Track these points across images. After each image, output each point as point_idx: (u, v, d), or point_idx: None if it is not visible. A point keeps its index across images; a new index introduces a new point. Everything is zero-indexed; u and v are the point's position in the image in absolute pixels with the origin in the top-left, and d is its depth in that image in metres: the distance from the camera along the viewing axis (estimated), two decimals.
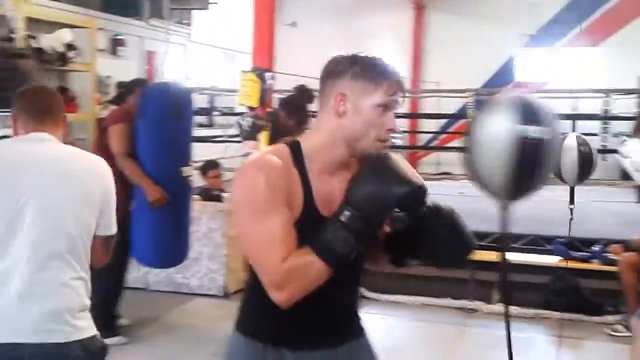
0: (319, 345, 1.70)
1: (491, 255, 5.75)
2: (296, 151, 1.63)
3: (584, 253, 5.74)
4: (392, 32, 12.65)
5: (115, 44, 8.48)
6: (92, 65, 7.13)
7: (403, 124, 10.94)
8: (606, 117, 7.53)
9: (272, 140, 4.39)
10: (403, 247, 1.73)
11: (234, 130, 9.11)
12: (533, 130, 1.82)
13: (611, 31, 11.89)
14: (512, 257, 5.96)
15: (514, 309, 5.33)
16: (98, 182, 2.19)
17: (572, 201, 5.35)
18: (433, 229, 1.66)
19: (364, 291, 5.55)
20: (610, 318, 5.10)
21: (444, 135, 11.49)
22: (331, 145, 1.63)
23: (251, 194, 1.55)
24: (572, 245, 5.85)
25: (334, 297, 1.65)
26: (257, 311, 1.71)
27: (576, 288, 5.41)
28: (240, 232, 1.62)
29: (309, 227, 1.56)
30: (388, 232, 1.71)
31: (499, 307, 5.42)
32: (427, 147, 11.84)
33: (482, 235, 6.28)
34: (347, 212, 1.52)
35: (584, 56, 12.12)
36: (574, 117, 7.11)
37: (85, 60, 6.98)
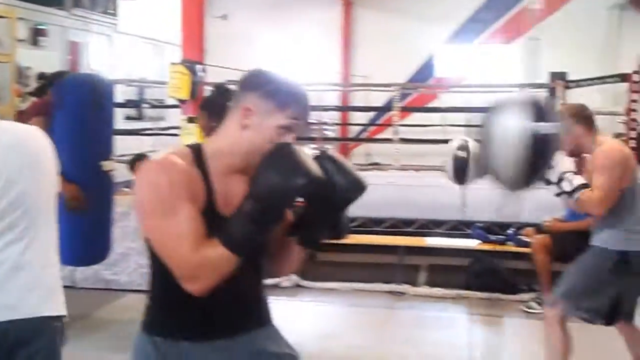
0: (218, 335, 1.72)
1: (417, 241, 6.05)
2: (198, 153, 1.67)
3: (501, 236, 6.05)
4: (322, 26, 12.73)
5: (37, 34, 8.20)
6: (11, 56, 6.89)
7: (334, 116, 11.12)
8: None
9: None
10: (307, 226, 1.76)
11: (164, 123, 9.02)
12: (543, 127, 2.05)
13: (524, 29, 12.39)
14: (436, 242, 6.26)
15: (437, 290, 5.60)
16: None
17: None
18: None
19: (298, 280, 5.69)
20: (525, 296, 5.38)
21: (373, 127, 11.68)
22: (230, 153, 1.67)
23: (156, 192, 1.57)
24: (489, 230, 6.16)
25: (234, 288, 1.66)
26: (156, 308, 1.74)
27: (494, 269, 5.70)
28: (149, 230, 1.63)
29: (210, 225, 1.59)
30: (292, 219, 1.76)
31: (425, 289, 5.68)
32: (358, 139, 12.02)
33: (409, 222, 6.55)
34: (249, 205, 1.56)
35: (500, 53, 12.58)
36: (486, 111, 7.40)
37: (5, 50, 6.75)
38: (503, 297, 5.46)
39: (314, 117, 7.90)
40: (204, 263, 1.55)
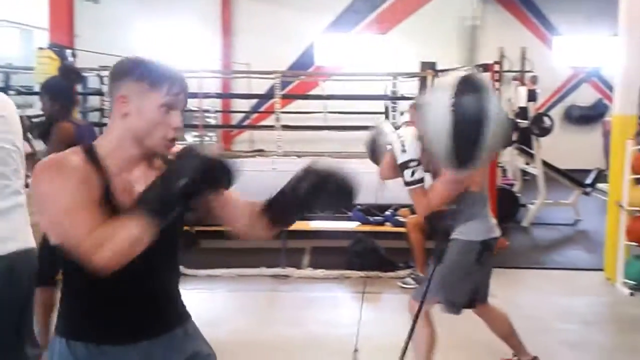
0: (139, 337, 1.69)
1: (301, 225, 6.13)
2: (90, 153, 1.62)
3: (379, 217, 6.25)
4: (201, 14, 12.53)
5: None
6: None
7: (216, 104, 10.99)
8: (395, 98, 8.17)
9: (44, 131, 3.87)
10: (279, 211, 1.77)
11: (32, 111, 8.53)
12: (471, 104, 2.06)
13: (397, 21, 12.80)
14: (318, 224, 6.38)
15: (321, 272, 5.72)
16: None
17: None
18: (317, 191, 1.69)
19: (182, 269, 5.60)
20: (401, 273, 5.62)
21: (255, 115, 11.67)
22: (121, 147, 1.62)
23: (56, 186, 1.53)
24: (369, 212, 6.36)
25: (151, 288, 1.67)
26: (73, 311, 1.69)
27: (374, 249, 5.89)
28: (51, 223, 1.58)
29: (110, 214, 1.56)
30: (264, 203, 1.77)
31: (308, 272, 5.78)
32: (241, 126, 11.98)
33: None
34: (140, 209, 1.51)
35: (375, 42, 12.93)
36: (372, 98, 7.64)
37: None
38: (382, 275, 5.66)
39: (195, 104, 7.79)
40: (105, 232, 1.48)
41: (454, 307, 3.28)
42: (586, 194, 8.12)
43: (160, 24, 12.08)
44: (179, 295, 1.82)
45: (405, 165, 2.95)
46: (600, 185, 8.17)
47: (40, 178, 1.56)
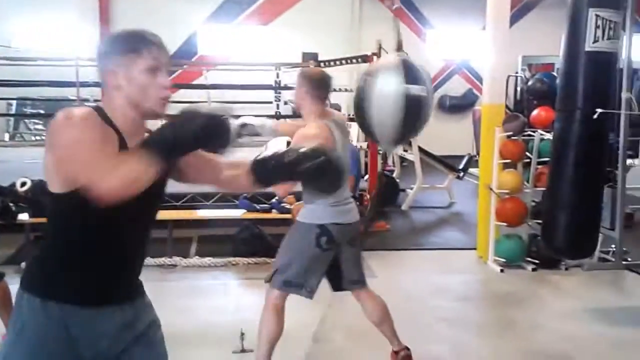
0: (109, 301, 1.75)
1: (187, 214, 5.96)
2: (101, 113, 1.68)
3: (265, 205, 6.21)
4: (77, 3, 11.88)
5: None
6: None
7: (95, 93, 10.43)
8: (279, 88, 8.15)
9: None
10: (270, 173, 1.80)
11: None
12: (415, 89, 2.03)
13: (278, 12, 12.74)
14: (204, 213, 6.25)
15: (208, 260, 5.60)
16: None
17: None
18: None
19: None
20: None
21: None
22: (124, 114, 1.70)
23: (82, 131, 1.56)
24: (255, 199, 6.30)
25: (126, 257, 1.77)
26: (50, 271, 1.71)
27: (260, 235, 5.85)
28: (76, 163, 1.55)
29: None
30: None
31: (195, 260, 5.64)
32: None
33: (179, 196, 6.45)
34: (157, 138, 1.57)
35: (257, 33, 12.81)
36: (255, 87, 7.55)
37: None
38: (269, 261, 5.60)
39: (73, 94, 7.42)
40: (118, 160, 1.55)
41: (296, 287, 3.20)
42: (459, 178, 8.49)
43: (36, 16, 11.38)
44: (141, 269, 1.91)
45: None
46: (471, 170, 8.58)
47: (63, 125, 1.58)
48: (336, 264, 3.27)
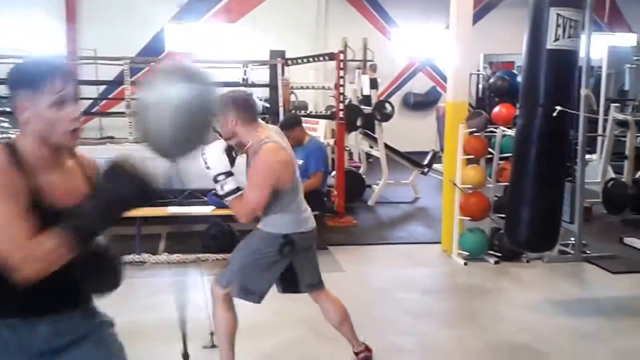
0: (46, 311, 1.72)
1: (156, 210, 5.90)
2: (12, 152, 1.64)
3: None
4: (43, 1, 11.63)
5: None
6: None
7: None
8: (246, 85, 8.10)
9: None
10: None
11: None
12: (192, 93, 1.86)
13: (245, 10, 12.66)
14: (173, 210, 6.18)
15: (177, 256, 5.55)
16: None
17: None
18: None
19: None
20: None
21: (104, 101, 11.07)
22: (33, 148, 1.66)
23: None
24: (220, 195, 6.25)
25: (65, 265, 1.66)
26: None
27: (230, 232, 5.82)
28: None
29: (40, 218, 1.58)
30: None
31: (164, 257, 5.58)
32: (89, 113, 11.28)
33: None
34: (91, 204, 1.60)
35: (225, 31, 12.71)
36: (223, 85, 7.44)
37: None
38: None
39: None
40: (36, 251, 1.53)
41: (250, 294, 3.17)
42: (424, 173, 8.57)
43: (1, 13, 11.11)
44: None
45: (215, 181, 2.93)
46: (435, 166, 8.66)
47: None
48: (291, 268, 3.23)
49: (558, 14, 4.34)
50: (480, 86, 11.94)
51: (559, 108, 4.42)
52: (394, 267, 5.59)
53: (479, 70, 12.03)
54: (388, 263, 5.71)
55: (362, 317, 4.34)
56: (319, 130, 7.55)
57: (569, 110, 4.49)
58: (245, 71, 7.85)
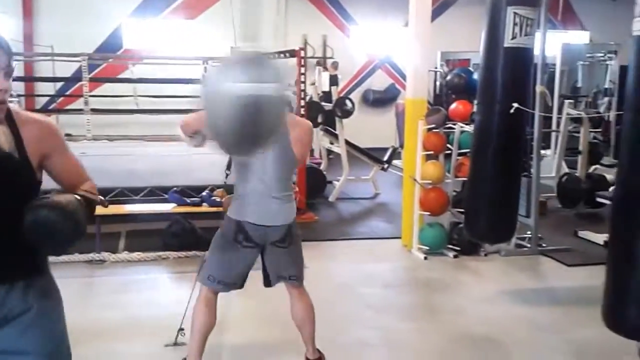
0: None
1: (116, 209, 5.78)
2: None
3: (195, 198, 6.10)
4: None
5: None
6: None
7: (19, 87, 9.99)
8: None
9: None
10: None
11: None
12: (260, 88, 1.78)
13: (204, 7, 12.51)
14: (133, 208, 6.07)
15: (137, 255, 5.45)
16: None
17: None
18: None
19: None
20: None
21: (61, 98, 10.80)
22: None
23: None
24: (185, 193, 6.17)
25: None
26: None
27: (191, 229, 5.74)
28: None
29: None
30: None
31: (124, 255, 5.47)
32: (46, 110, 11.01)
33: (106, 191, 6.22)
34: None
35: (184, 27, 12.54)
36: (183, 82, 7.38)
37: None
38: (199, 254, 5.51)
39: None
40: None
41: (213, 281, 3.12)
42: (384, 169, 8.60)
43: None
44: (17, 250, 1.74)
45: None
46: (395, 162, 8.70)
47: None
48: (263, 263, 3.21)
49: (515, 13, 4.40)
50: (438, 83, 12.08)
51: (516, 105, 4.49)
52: (356, 262, 5.60)
53: (436, 68, 12.15)
54: (350, 258, 5.72)
55: (326, 312, 4.33)
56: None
57: (524, 109, 4.56)
58: (205, 68, 7.75)
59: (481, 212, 4.69)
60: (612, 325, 2.82)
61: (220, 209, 5.48)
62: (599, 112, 9.15)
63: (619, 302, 2.77)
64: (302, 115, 6.86)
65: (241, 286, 3.23)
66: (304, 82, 6.81)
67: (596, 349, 3.80)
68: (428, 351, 3.82)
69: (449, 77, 9.51)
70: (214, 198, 5.91)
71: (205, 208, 5.98)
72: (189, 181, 6.47)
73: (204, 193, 6.08)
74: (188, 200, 6.03)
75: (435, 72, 12.09)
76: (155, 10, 12.39)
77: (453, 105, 6.19)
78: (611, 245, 2.83)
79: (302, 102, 6.86)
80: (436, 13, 13.11)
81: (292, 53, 7.02)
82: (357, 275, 5.20)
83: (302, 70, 6.85)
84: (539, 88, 5.66)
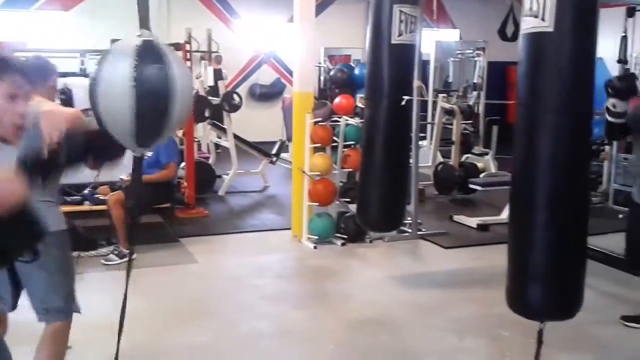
0: None
1: None
2: None
3: (76, 197, 5.80)
4: None
5: None
6: None
7: None
8: (83, 75, 7.61)
9: None
10: None
11: None
12: (159, 76, 1.67)
13: None
14: None
15: None
16: None
17: None
18: None
19: None
20: (104, 250, 5.29)
21: None
22: None
23: None
24: (64, 191, 5.84)
25: None
26: None
27: (72, 228, 5.41)
28: None
29: None
30: None
31: None
32: None
33: None
34: None
35: (58, 19, 11.86)
36: (67, 75, 6.94)
37: None
38: (83, 254, 5.26)
39: None
40: None
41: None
42: (272, 162, 8.61)
43: None
44: None
45: None
46: (283, 155, 8.73)
47: None
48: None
49: (400, 11, 4.52)
50: (322, 78, 12.23)
51: (406, 98, 4.65)
52: (248, 254, 5.57)
53: (320, 63, 12.30)
54: (241, 251, 5.68)
55: (220, 305, 4.32)
56: None
57: (412, 99, 4.73)
58: (82, 61, 7.36)
59: (373, 203, 4.80)
60: (514, 307, 2.95)
61: (104, 207, 5.26)
62: (469, 105, 9.66)
63: (520, 284, 2.91)
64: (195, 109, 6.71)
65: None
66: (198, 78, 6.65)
67: (475, 326, 4.02)
68: (321, 336, 3.89)
69: (332, 72, 9.67)
70: (96, 196, 5.66)
71: (87, 207, 5.71)
72: (70, 178, 6.14)
73: (85, 191, 5.81)
74: (68, 199, 5.72)
75: (320, 67, 12.24)
76: (28, 2, 11.64)
77: (337, 100, 6.29)
78: (511, 231, 2.96)
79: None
80: (318, 10, 13.30)
81: (177, 46, 6.83)
82: (249, 267, 5.18)
83: (188, 64, 6.69)
84: (416, 83, 5.88)
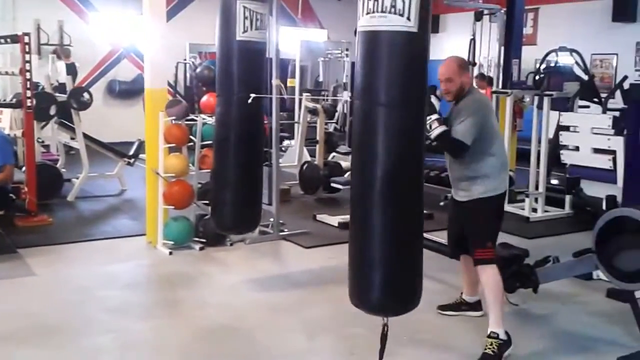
0: None
1: None
2: None
3: None
4: None
5: None
6: None
7: None
8: None
9: None
10: None
11: None
12: None
13: None
14: None
15: None
16: None
17: None
18: None
19: None
20: None
21: None
22: None
23: None
24: None
25: None
26: None
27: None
28: None
29: None
30: None
31: None
32: None
33: None
34: None
35: None
36: None
37: None
38: None
39: None
40: None
41: None
42: (130, 164, 8.30)
43: None
44: None
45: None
46: (142, 156, 8.44)
47: None
48: None
49: (245, 7, 4.52)
50: (189, 75, 11.99)
51: (253, 95, 4.64)
52: (95, 264, 5.31)
53: (185, 59, 12.05)
54: (89, 261, 5.40)
55: (59, 320, 4.07)
56: (4, 121, 6.82)
57: (262, 96, 4.72)
58: None
59: (226, 204, 4.75)
60: (356, 303, 3.01)
61: None
62: (334, 105, 9.87)
63: (360, 280, 2.97)
64: (28, 107, 6.29)
65: None
66: (29, 71, 6.23)
67: (328, 325, 4.09)
68: (167, 348, 3.77)
69: (198, 70, 9.49)
70: None
71: None
72: None
73: None
74: None
75: (185, 64, 11.99)
76: None
77: (204, 98, 6.19)
78: (351, 226, 3.02)
79: (29, 93, 6.28)
80: (183, 4, 13.03)
81: (15, 39, 6.40)
82: (96, 277, 4.95)
83: (28, 57, 6.27)
84: (274, 81, 5.92)
